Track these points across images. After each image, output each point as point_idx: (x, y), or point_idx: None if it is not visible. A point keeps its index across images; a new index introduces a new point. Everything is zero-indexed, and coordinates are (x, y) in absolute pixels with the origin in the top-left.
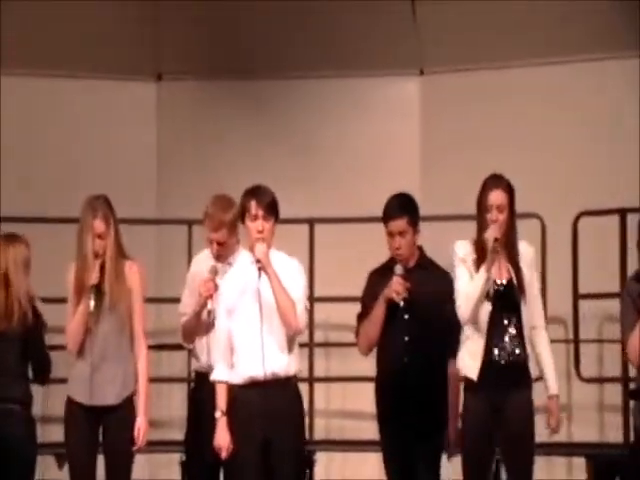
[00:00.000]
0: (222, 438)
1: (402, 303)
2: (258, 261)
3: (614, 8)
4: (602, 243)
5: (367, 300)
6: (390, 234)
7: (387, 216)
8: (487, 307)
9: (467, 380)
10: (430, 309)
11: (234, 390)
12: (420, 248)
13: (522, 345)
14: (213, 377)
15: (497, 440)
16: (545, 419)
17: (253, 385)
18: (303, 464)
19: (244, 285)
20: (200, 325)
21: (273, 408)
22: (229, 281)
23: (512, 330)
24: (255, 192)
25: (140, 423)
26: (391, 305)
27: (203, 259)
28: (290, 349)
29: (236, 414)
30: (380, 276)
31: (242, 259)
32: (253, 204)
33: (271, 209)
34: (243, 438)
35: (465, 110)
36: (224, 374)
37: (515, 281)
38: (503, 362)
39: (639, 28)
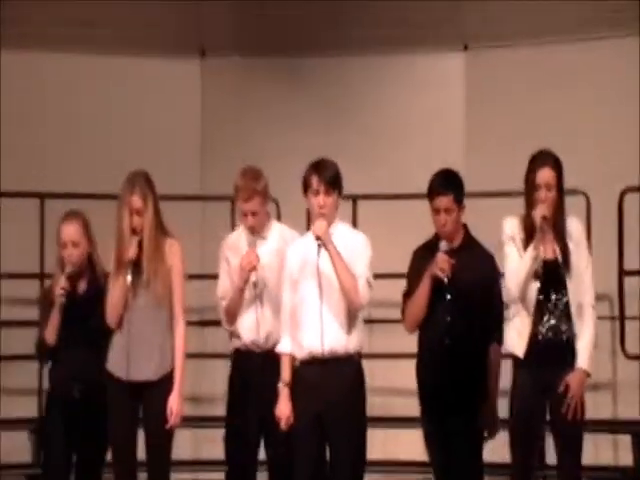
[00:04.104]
0: (283, 409)
1: (446, 280)
2: (318, 238)
3: None
4: None
5: (412, 278)
6: (436, 211)
7: (433, 192)
8: (535, 285)
9: (515, 358)
10: (474, 291)
11: (296, 365)
12: (465, 227)
13: (569, 322)
14: (278, 349)
15: (546, 417)
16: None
17: (313, 361)
18: (361, 442)
19: (305, 261)
20: (242, 301)
21: (331, 385)
22: (292, 254)
23: (559, 307)
24: (317, 167)
25: (172, 401)
26: (435, 283)
27: (235, 239)
28: (352, 326)
29: (295, 389)
30: (425, 253)
31: (307, 239)
32: (314, 179)
33: (333, 183)
34: (300, 413)
35: (509, 85)
36: (288, 346)
37: (561, 258)
38: (550, 339)
39: None
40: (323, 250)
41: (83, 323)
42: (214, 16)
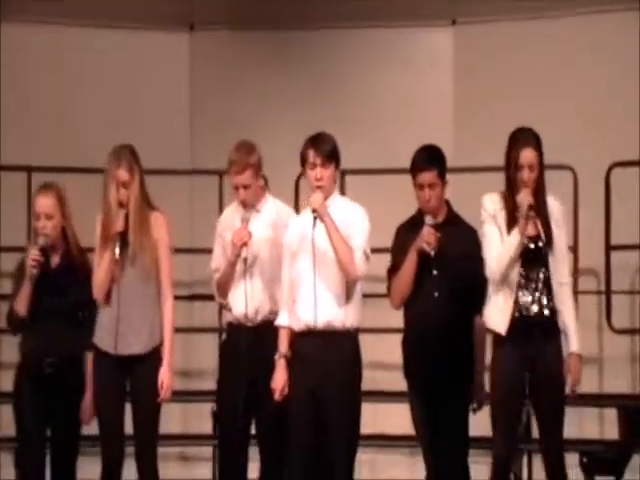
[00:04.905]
0: (278, 380)
1: (433, 253)
2: (314, 210)
3: None
4: (634, 194)
5: (396, 254)
6: (420, 186)
7: (416, 168)
8: (517, 263)
9: (496, 335)
10: (459, 265)
11: (293, 337)
12: (447, 202)
13: (550, 297)
14: (277, 322)
15: (527, 391)
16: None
17: (309, 333)
18: (355, 415)
19: (303, 234)
20: (234, 275)
21: (327, 359)
22: (292, 228)
23: (540, 284)
24: (314, 140)
25: (163, 374)
26: (421, 258)
27: (229, 214)
28: (348, 300)
29: (292, 361)
30: (409, 229)
31: (306, 213)
32: (311, 152)
33: (330, 156)
34: (296, 385)
35: (497, 60)
36: (286, 319)
37: (544, 237)
38: (532, 315)
39: None
40: (319, 223)
41: (55, 296)
42: None
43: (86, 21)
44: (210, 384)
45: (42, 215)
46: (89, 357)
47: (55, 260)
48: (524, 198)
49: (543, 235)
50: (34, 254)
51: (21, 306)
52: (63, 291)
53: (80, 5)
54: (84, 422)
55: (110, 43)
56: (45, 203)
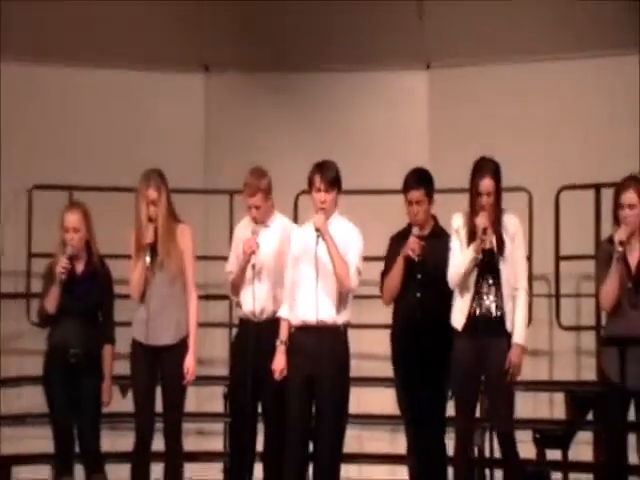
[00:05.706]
0: (279, 362)
1: (417, 259)
2: (317, 230)
3: (615, 6)
4: (580, 212)
5: (388, 259)
6: (409, 202)
7: (407, 187)
8: (474, 270)
9: (454, 330)
10: (440, 271)
11: (291, 331)
12: (434, 217)
13: (501, 302)
14: (279, 314)
15: (481, 378)
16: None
17: (306, 328)
18: (344, 398)
19: (306, 246)
20: (244, 278)
21: (321, 350)
22: (296, 239)
23: (493, 289)
24: (320, 167)
25: (188, 361)
26: (408, 264)
27: (243, 226)
28: (342, 304)
29: (290, 349)
30: (399, 239)
31: (309, 227)
32: (317, 178)
33: (333, 183)
34: (293, 371)
35: (466, 99)
36: (287, 312)
37: (496, 249)
38: (485, 315)
39: (639, 25)
40: (321, 239)
41: (78, 298)
42: (217, 36)
43: (119, 64)
44: (220, 370)
45: (70, 229)
46: (106, 350)
47: (79, 268)
48: (480, 222)
49: (496, 249)
50: (63, 262)
51: (50, 305)
52: (85, 294)
53: (102, 47)
54: (104, 404)
55: (138, 83)
56: (73, 219)
